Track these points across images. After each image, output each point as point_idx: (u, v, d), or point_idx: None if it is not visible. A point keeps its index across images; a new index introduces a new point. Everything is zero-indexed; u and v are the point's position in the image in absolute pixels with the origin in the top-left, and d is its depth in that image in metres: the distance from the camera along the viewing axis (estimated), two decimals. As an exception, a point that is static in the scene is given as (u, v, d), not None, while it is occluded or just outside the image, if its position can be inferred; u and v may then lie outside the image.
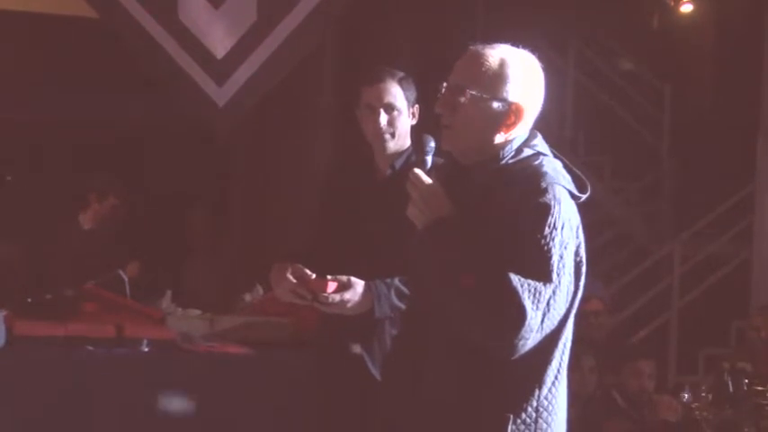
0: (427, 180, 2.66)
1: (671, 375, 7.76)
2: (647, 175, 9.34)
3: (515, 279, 2.51)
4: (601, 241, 8.49)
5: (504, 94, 2.68)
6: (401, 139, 3.68)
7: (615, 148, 9.18)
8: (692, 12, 8.86)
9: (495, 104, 2.68)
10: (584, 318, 6.46)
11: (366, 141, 3.74)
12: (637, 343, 7.47)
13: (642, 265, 8.43)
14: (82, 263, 5.88)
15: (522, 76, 2.70)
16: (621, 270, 8.39)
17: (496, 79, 2.68)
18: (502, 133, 2.70)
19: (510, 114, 2.69)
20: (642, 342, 7.64)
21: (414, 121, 3.71)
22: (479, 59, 2.70)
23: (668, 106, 9.35)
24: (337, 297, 3.41)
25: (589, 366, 5.80)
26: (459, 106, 2.69)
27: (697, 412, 5.70)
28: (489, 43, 2.73)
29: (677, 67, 9.46)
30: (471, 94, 2.67)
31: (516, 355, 2.55)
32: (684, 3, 8.75)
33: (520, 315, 2.50)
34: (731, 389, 5.74)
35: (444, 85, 2.73)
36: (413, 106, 3.70)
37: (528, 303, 2.51)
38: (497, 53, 2.70)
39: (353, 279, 3.44)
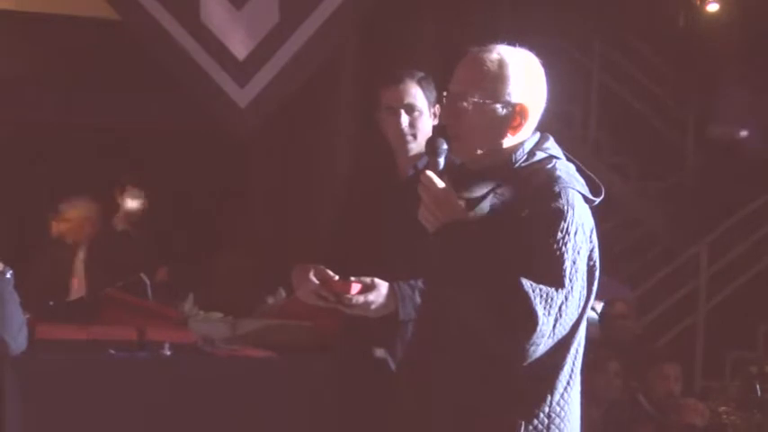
0: (439, 183, 2.63)
1: (697, 379, 7.69)
2: (673, 175, 9.27)
3: (527, 284, 2.48)
4: (626, 243, 8.42)
5: (507, 97, 2.65)
6: (423, 140, 3.63)
7: (640, 149, 9.11)
8: (719, 11, 8.79)
9: (499, 108, 2.65)
10: (610, 321, 6.41)
11: (387, 143, 3.70)
12: (663, 346, 7.41)
13: (668, 268, 8.36)
14: (113, 264, 5.91)
15: (524, 76, 2.67)
16: (647, 272, 8.32)
17: (497, 82, 2.64)
18: (510, 136, 2.67)
19: (515, 116, 2.66)
20: (668, 345, 7.58)
21: (435, 122, 3.67)
22: (478, 64, 2.66)
23: (694, 106, 9.28)
24: (361, 299, 3.38)
25: (614, 370, 5.75)
26: (463, 114, 2.66)
27: (724, 416, 5.64)
28: (492, 44, 2.69)
29: (704, 67, 9.38)
30: (474, 101, 2.64)
31: (528, 361, 2.53)
32: (710, 2, 8.68)
33: (531, 320, 2.48)
34: (759, 393, 5.68)
35: (445, 93, 2.71)
36: (434, 106, 3.66)
37: (540, 309, 2.48)
38: (495, 55, 2.66)
39: (377, 281, 3.41)
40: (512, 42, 2.72)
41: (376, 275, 3.41)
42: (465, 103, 2.65)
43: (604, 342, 6.15)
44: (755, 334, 8.13)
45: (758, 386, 5.74)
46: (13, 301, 4.12)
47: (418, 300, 3.43)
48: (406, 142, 3.64)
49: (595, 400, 5.43)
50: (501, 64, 2.65)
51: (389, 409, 2.83)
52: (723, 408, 5.78)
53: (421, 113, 3.64)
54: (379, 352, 3.55)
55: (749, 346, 8.00)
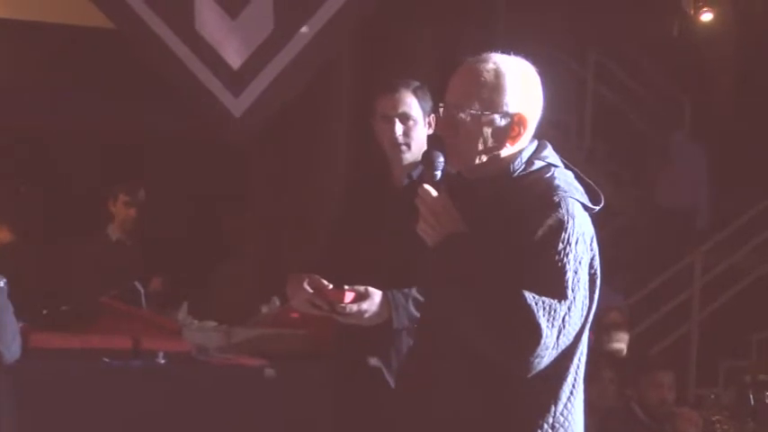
0: (437, 195, 2.61)
1: (691, 388, 7.69)
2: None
3: (530, 297, 2.46)
4: (621, 252, 8.42)
5: (505, 107, 2.62)
6: (418, 149, 3.64)
7: (634, 158, 9.13)
8: (713, 20, 8.81)
9: (498, 118, 2.63)
10: (604, 330, 6.41)
11: (382, 152, 3.71)
12: (656, 354, 7.41)
13: (663, 276, 8.37)
14: (108, 273, 5.90)
15: (520, 85, 2.64)
16: (642, 281, 8.33)
17: (494, 93, 2.62)
18: (508, 146, 2.65)
19: (513, 126, 2.64)
20: (662, 354, 7.58)
21: (430, 131, 3.67)
22: (474, 74, 2.63)
23: (688, 115, 9.30)
24: (355, 307, 3.38)
25: (608, 378, 5.75)
26: (461, 126, 2.63)
27: (717, 425, 5.65)
28: (487, 54, 2.67)
29: (698, 76, 9.41)
30: (471, 113, 2.62)
31: (532, 373, 2.51)
32: (704, 11, 8.69)
33: (535, 333, 2.46)
34: (752, 402, 5.69)
35: (441, 105, 2.68)
36: (429, 116, 3.67)
37: (543, 321, 2.46)
38: (491, 65, 2.63)
39: (371, 289, 3.41)
40: (507, 51, 2.71)
41: (370, 284, 3.42)
42: (462, 115, 2.62)
43: (599, 350, 6.15)
44: (749, 343, 8.14)
45: (751, 395, 5.74)
46: (8, 309, 4.12)
47: (412, 308, 3.43)
48: (400, 152, 3.64)
49: (589, 409, 5.42)
50: (498, 74, 2.63)
51: (387, 421, 2.82)
52: (716, 416, 5.78)
53: (416, 123, 3.64)
54: (373, 360, 3.55)
55: (742, 355, 8.00)
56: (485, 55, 2.67)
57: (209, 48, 5.49)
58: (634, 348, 6.69)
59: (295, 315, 4.70)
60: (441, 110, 2.69)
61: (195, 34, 5.48)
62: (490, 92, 2.62)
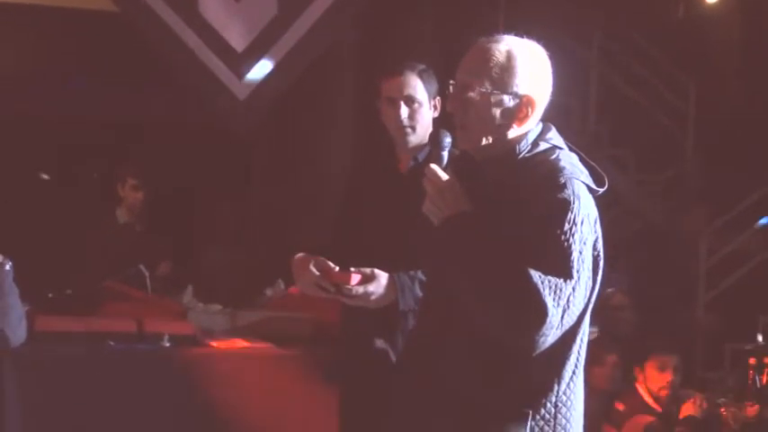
0: (443, 175, 2.63)
1: (696, 370, 7.69)
2: (672, 168, 9.27)
3: (536, 275, 2.48)
4: (626, 235, 8.41)
5: (515, 88, 2.65)
6: (423, 132, 3.65)
7: (639, 141, 9.11)
8: (718, 2, 8.77)
9: (507, 99, 2.65)
10: (609, 312, 6.41)
11: (388, 134, 3.70)
12: (662, 337, 7.40)
13: (667, 259, 8.35)
14: (116, 256, 5.90)
15: (531, 67, 2.66)
16: (646, 264, 8.32)
17: (505, 73, 2.64)
18: (515, 127, 2.67)
19: (522, 107, 2.66)
20: (667, 336, 7.57)
21: (436, 114, 3.67)
22: (486, 54, 2.65)
23: (693, 98, 9.27)
24: (361, 289, 3.38)
25: (613, 361, 5.75)
26: (471, 104, 2.65)
27: (723, 408, 5.64)
28: (500, 35, 2.69)
29: (703, 59, 9.38)
30: (481, 92, 2.64)
31: (536, 352, 2.53)
32: (710, -7, 8.67)
33: (541, 312, 2.48)
34: (758, 384, 5.68)
35: (452, 82, 2.70)
36: (434, 99, 3.67)
37: (549, 300, 2.48)
38: (503, 46, 2.66)
39: (377, 271, 3.41)
40: (519, 33, 2.71)
41: (376, 266, 3.41)
42: (472, 94, 2.64)
43: (604, 333, 6.15)
44: (754, 325, 8.12)
45: (757, 377, 5.73)
46: (13, 292, 4.12)
47: (418, 290, 3.43)
48: (405, 134, 3.64)
49: (593, 392, 5.42)
50: (509, 55, 2.65)
51: (392, 399, 2.83)
52: (722, 399, 5.77)
53: (421, 105, 3.64)
54: (379, 342, 3.56)
55: (748, 338, 7.99)
56: (497, 36, 2.69)
57: (213, 31, 5.49)
58: (639, 331, 6.68)
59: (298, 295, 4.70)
60: (450, 87, 2.70)
61: (199, 17, 5.48)
62: (500, 72, 2.64)
